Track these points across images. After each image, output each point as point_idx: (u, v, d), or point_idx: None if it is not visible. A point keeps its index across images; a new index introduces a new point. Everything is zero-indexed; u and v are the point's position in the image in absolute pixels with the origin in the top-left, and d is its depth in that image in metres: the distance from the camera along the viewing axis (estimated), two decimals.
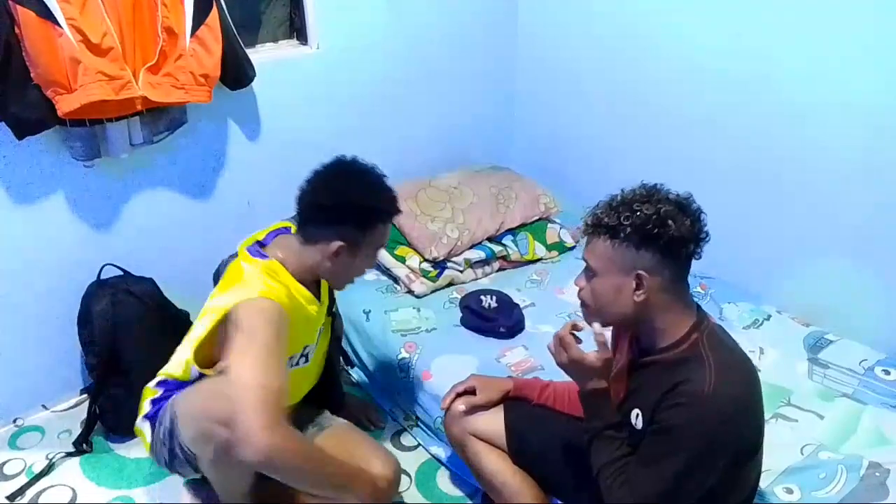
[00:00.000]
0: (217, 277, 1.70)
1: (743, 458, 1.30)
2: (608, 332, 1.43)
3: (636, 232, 1.26)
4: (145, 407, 1.64)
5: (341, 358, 2.15)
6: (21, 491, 1.89)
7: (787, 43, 2.04)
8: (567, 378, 1.45)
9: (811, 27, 1.98)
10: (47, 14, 1.68)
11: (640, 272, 1.28)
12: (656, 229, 1.25)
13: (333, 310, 1.83)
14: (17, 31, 1.69)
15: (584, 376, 1.39)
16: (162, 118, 2.02)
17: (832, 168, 2.04)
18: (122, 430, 2.05)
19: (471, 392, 1.69)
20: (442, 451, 1.99)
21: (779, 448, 1.70)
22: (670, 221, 1.25)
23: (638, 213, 1.26)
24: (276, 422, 1.35)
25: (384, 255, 2.43)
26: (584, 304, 1.39)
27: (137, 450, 2.01)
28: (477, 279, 2.46)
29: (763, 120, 2.16)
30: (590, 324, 1.39)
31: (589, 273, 1.36)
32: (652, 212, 1.26)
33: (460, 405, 1.68)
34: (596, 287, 1.35)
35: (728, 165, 2.28)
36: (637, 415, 1.35)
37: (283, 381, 1.44)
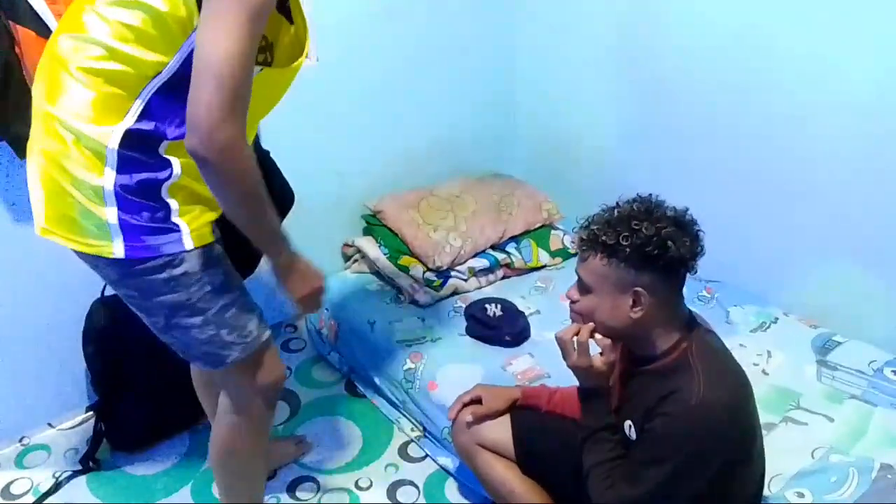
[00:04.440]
0: None
1: (734, 467, 1.30)
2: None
3: (636, 252, 1.25)
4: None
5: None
6: None
7: (792, 44, 2.03)
8: (574, 381, 1.46)
9: (815, 29, 1.97)
10: (47, 33, 1.68)
11: (638, 289, 1.27)
12: (656, 250, 1.24)
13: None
14: (16, 50, 1.69)
15: (586, 378, 1.41)
16: None
17: (838, 169, 2.03)
18: (129, 447, 2.05)
19: (477, 402, 1.69)
20: (450, 462, 1.98)
21: (789, 452, 1.69)
22: (670, 243, 1.24)
23: (638, 233, 1.25)
24: (235, 117, 1.14)
25: (387, 266, 2.43)
26: (577, 316, 1.40)
27: (145, 467, 2.01)
28: (481, 287, 2.45)
29: (767, 122, 2.15)
30: None
31: (583, 288, 1.36)
32: (652, 233, 1.24)
33: (467, 415, 1.67)
34: (591, 303, 1.35)
35: (733, 167, 2.27)
36: (630, 426, 1.36)
37: (251, 67, 1.17)
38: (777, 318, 2.20)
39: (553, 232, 2.63)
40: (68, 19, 1.28)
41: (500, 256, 2.50)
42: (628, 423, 1.37)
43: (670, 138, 2.41)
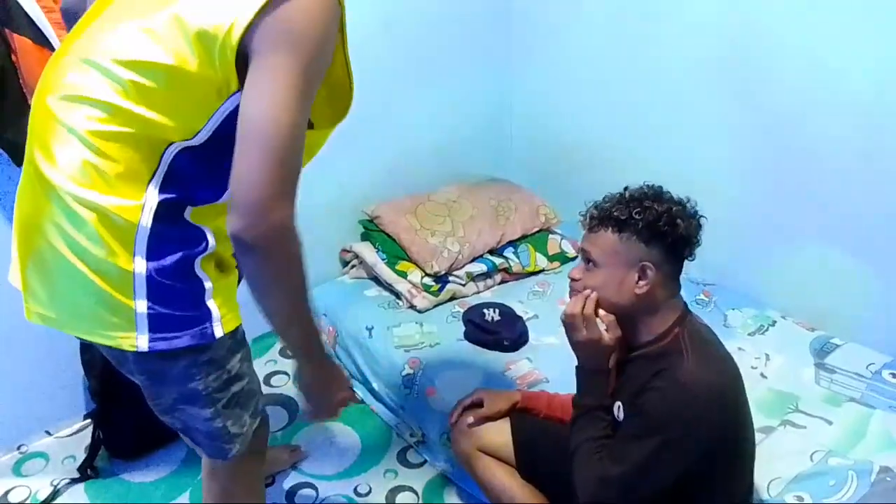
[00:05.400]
0: None
1: (718, 455, 1.31)
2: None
3: (647, 227, 1.32)
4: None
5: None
6: None
7: (790, 44, 2.03)
8: (572, 388, 1.46)
9: (814, 27, 1.97)
10: (43, 41, 1.68)
11: (646, 263, 1.32)
12: (666, 227, 1.31)
13: None
14: (13, 58, 1.69)
15: (593, 355, 1.41)
16: None
17: (837, 171, 2.03)
18: (127, 455, 2.05)
19: (478, 405, 1.69)
20: (449, 467, 1.97)
21: (788, 455, 1.69)
22: (679, 221, 1.32)
23: (649, 210, 1.32)
24: (290, 196, 1.01)
25: (385, 271, 2.43)
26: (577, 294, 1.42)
27: (143, 474, 2.01)
28: (479, 292, 2.45)
29: (765, 123, 2.15)
30: None
31: (589, 264, 1.39)
32: (663, 209, 1.32)
33: (469, 418, 1.67)
34: (596, 277, 1.38)
35: (731, 170, 2.28)
36: (619, 407, 1.39)
37: (304, 138, 1.03)
38: (775, 321, 2.20)
39: (550, 236, 2.63)
40: (58, 72, 1.12)
41: (498, 261, 2.50)
42: (618, 404, 1.39)
43: (667, 142, 2.42)
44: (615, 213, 1.34)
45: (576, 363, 1.47)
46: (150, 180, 1.09)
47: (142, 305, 1.10)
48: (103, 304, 1.11)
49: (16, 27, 1.66)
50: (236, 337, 1.23)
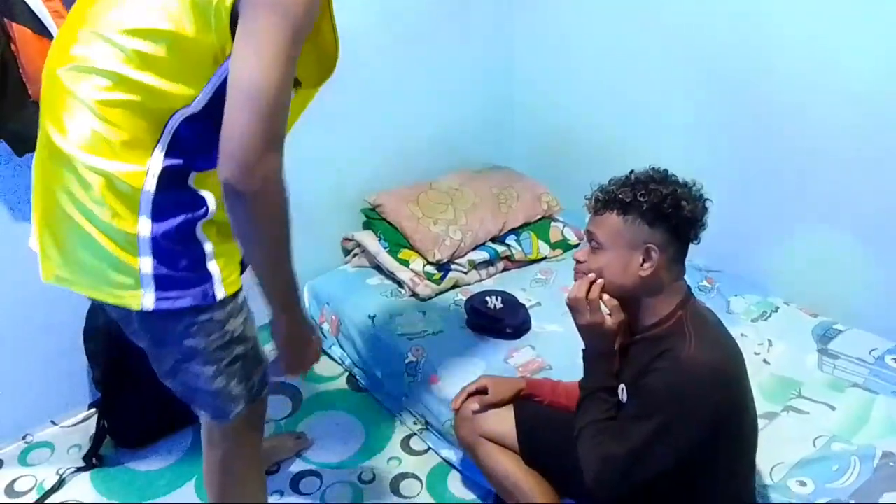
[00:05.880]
0: None
1: (721, 436, 1.32)
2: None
3: (651, 210, 1.33)
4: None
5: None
6: None
7: (793, 33, 2.02)
8: (577, 374, 1.46)
9: (817, 17, 1.96)
10: (43, 30, 1.68)
11: (650, 246, 1.33)
12: (671, 209, 1.32)
13: None
14: (13, 48, 1.68)
15: (597, 339, 1.42)
16: None
17: (839, 158, 2.02)
18: (132, 444, 2.05)
19: (482, 391, 1.69)
20: (453, 454, 1.98)
21: (791, 441, 1.70)
22: (684, 202, 1.33)
23: (654, 192, 1.33)
24: (277, 148, 1.06)
25: (388, 260, 2.43)
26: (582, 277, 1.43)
27: (148, 463, 2.02)
28: (481, 280, 2.45)
29: (767, 112, 2.14)
30: None
31: (594, 246, 1.40)
32: (668, 192, 1.33)
33: (473, 404, 1.67)
34: (601, 260, 1.39)
35: (733, 158, 2.27)
36: (622, 389, 1.41)
37: (290, 93, 1.09)
38: (778, 308, 2.20)
39: (553, 224, 2.63)
40: (66, 44, 1.16)
41: (501, 249, 2.50)
42: (622, 386, 1.41)
43: (669, 129, 2.41)
44: (620, 196, 1.35)
45: (581, 348, 1.48)
46: (155, 147, 1.14)
47: (147, 266, 1.16)
48: (111, 264, 1.16)
49: (15, 16, 1.65)
50: (237, 301, 1.28)
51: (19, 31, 1.66)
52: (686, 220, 1.34)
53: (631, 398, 1.38)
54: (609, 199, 1.37)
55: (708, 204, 1.38)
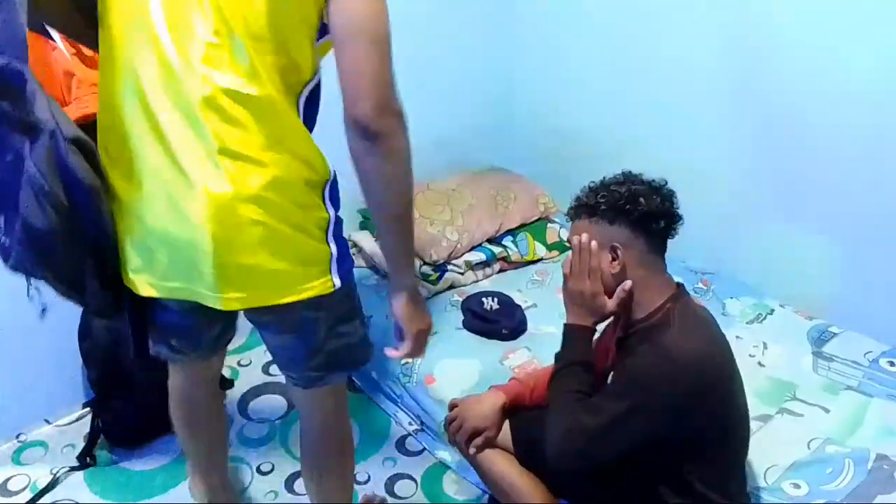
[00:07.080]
0: None
1: (705, 427, 1.33)
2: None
3: (610, 209, 1.38)
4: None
5: None
6: None
7: (791, 36, 2.03)
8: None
9: (816, 19, 1.96)
10: (40, 29, 1.67)
11: (615, 244, 1.38)
12: (628, 205, 1.37)
13: None
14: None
15: (585, 308, 1.43)
16: None
17: (834, 160, 2.03)
18: (126, 443, 2.05)
19: (477, 433, 1.62)
20: (448, 455, 1.98)
21: (785, 443, 1.70)
22: (641, 199, 1.37)
23: (613, 192, 1.39)
24: (400, 109, 1.07)
25: (384, 260, 2.42)
26: None
27: (142, 462, 2.01)
28: (478, 281, 2.45)
29: (765, 113, 2.15)
30: None
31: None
32: (624, 190, 1.38)
33: (472, 449, 1.62)
34: None
35: (729, 160, 2.27)
36: (610, 379, 1.43)
37: None
38: (773, 310, 2.21)
39: (549, 225, 2.63)
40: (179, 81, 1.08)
41: (497, 250, 2.50)
42: (610, 377, 1.44)
43: (668, 132, 2.41)
44: (585, 201, 1.43)
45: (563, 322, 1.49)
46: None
47: (334, 247, 1.20)
48: (307, 257, 1.17)
49: None
50: None
51: None
52: (645, 214, 1.37)
53: (611, 378, 1.42)
54: (578, 206, 1.44)
55: (676, 197, 1.40)
